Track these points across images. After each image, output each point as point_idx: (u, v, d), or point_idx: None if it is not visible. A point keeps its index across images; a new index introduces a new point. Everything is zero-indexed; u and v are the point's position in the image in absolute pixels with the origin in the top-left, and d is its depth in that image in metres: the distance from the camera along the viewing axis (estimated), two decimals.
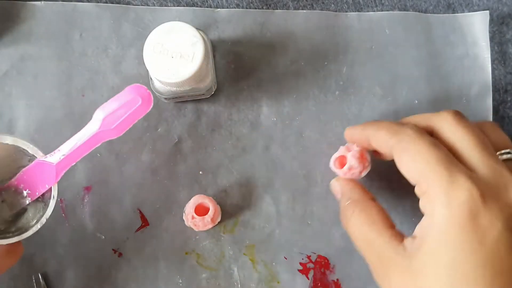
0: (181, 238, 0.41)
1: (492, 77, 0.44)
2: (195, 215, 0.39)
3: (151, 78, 0.38)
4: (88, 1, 0.42)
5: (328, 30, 0.43)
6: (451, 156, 0.30)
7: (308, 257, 0.41)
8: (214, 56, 0.42)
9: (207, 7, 0.42)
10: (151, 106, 0.33)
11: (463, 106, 0.43)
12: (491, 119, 0.43)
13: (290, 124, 0.42)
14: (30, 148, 0.33)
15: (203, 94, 0.40)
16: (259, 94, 0.42)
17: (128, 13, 0.42)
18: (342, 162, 0.38)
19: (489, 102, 0.44)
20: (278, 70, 0.42)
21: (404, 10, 0.44)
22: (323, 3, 0.43)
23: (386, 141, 0.33)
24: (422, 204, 0.30)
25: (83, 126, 0.41)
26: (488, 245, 0.27)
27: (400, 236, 0.31)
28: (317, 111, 0.43)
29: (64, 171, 0.33)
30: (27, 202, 0.34)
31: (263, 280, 0.41)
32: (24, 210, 0.35)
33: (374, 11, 0.44)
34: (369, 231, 0.32)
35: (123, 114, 0.32)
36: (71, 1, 0.42)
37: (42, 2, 0.41)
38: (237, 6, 0.43)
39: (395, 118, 0.43)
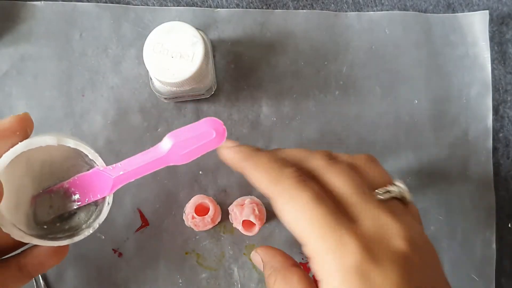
0: (181, 238, 0.41)
1: (492, 77, 0.44)
2: (195, 215, 0.39)
3: (151, 78, 0.38)
4: (88, 1, 0.42)
5: (328, 30, 0.43)
6: (335, 210, 0.28)
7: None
8: (214, 56, 0.42)
9: (207, 7, 0.42)
10: (224, 141, 0.32)
11: (463, 106, 0.43)
12: (491, 119, 0.43)
13: (290, 124, 0.42)
14: (91, 154, 0.32)
15: (203, 94, 0.40)
16: (259, 94, 0.42)
17: (128, 13, 0.42)
18: (249, 224, 0.40)
19: (489, 102, 0.44)
20: (278, 70, 0.42)
21: (404, 10, 0.44)
22: (323, 3, 0.43)
23: (265, 188, 0.30)
24: (313, 268, 0.28)
25: (83, 126, 0.41)
26: None
27: None
28: (317, 111, 0.43)
29: (121, 185, 0.32)
30: (75, 207, 0.33)
31: (263, 280, 0.41)
32: (74, 211, 0.34)
33: (374, 11, 0.44)
34: None
35: (194, 144, 0.31)
36: (71, 1, 0.42)
37: (42, 2, 0.41)
38: (237, 6, 0.43)
39: (395, 118, 0.43)
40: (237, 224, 0.40)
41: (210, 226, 0.40)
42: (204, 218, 0.39)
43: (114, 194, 0.40)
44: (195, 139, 0.31)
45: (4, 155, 0.30)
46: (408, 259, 0.27)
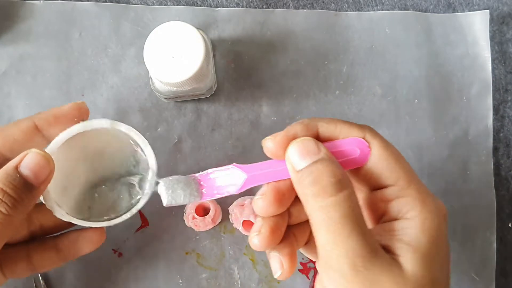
0: (181, 238, 0.41)
1: (492, 77, 0.44)
2: (196, 215, 0.39)
3: (151, 77, 0.38)
4: (88, 0, 0.41)
5: (328, 29, 0.43)
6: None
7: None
8: (214, 56, 0.41)
9: (206, 6, 0.42)
10: (365, 163, 0.29)
11: (463, 105, 0.43)
12: (491, 118, 0.43)
13: (290, 123, 0.42)
14: (142, 141, 0.32)
15: (203, 94, 0.40)
16: (259, 93, 0.42)
17: (127, 12, 0.42)
18: (249, 224, 0.40)
19: (489, 102, 0.44)
20: (278, 69, 0.42)
21: (405, 9, 0.44)
22: (323, 2, 0.43)
23: (351, 132, 0.29)
24: (402, 207, 0.28)
25: None
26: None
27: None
28: (317, 111, 0.42)
29: (248, 187, 0.30)
30: (198, 200, 0.33)
31: (263, 280, 0.41)
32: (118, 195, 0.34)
33: (374, 10, 0.44)
34: None
35: (338, 158, 0.29)
36: (70, 0, 0.41)
37: (41, 1, 0.41)
38: (237, 5, 0.43)
39: (396, 118, 0.43)
40: (238, 225, 0.39)
41: (211, 226, 0.40)
42: (204, 219, 0.39)
43: None
44: (339, 155, 0.29)
45: (60, 135, 0.31)
46: None
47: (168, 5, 0.42)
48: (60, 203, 0.31)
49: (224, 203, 0.41)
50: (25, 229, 0.34)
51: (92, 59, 0.41)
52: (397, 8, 0.44)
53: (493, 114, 0.44)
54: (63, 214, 0.31)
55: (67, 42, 0.41)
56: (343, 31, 0.43)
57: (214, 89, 0.41)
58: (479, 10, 0.44)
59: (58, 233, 0.35)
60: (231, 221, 0.40)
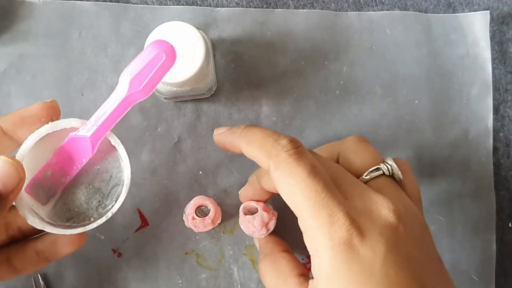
0: (181, 238, 0.41)
1: (493, 77, 0.44)
2: (195, 216, 0.39)
3: None
4: (87, 0, 0.41)
5: (329, 29, 0.43)
6: (330, 186, 0.28)
7: (308, 257, 0.41)
8: (214, 56, 0.41)
9: (206, 6, 0.42)
10: (175, 60, 0.31)
11: (463, 105, 0.43)
12: (491, 118, 0.43)
13: (290, 123, 0.42)
14: (113, 139, 0.32)
15: (203, 94, 0.40)
16: (259, 93, 0.42)
17: (127, 12, 0.42)
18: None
19: (489, 102, 0.44)
20: (278, 69, 0.42)
21: (405, 9, 0.44)
22: (323, 2, 0.43)
23: (260, 160, 0.30)
24: (306, 242, 0.29)
25: None
26: (377, 274, 0.26)
27: (306, 282, 0.31)
28: (317, 111, 0.42)
29: (99, 142, 0.32)
30: (67, 181, 0.33)
31: None
32: (71, 194, 0.33)
33: (374, 10, 0.44)
34: (277, 282, 0.33)
35: (149, 72, 0.30)
36: (70, 0, 0.41)
37: (41, 0, 0.41)
38: (237, 5, 0.42)
39: (396, 118, 0.43)
40: (189, 224, 0.39)
41: (210, 228, 0.39)
42: (204, 220, 0.39)
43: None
44: (148, 68, 0.30)
45: (29, 137, 0.30)
46: (395, 230, 0.28)
47: (168, 5, 0.42)
48: (36, 207, 0.31)
49: (224, 203, 0.41)
50: (3, 234, 0.34)
51: (91, 58, 0.41)
52: (397, 8, 0.44)
53: (493, 114, 0.44)
54: (36, 222, 0.30)
55: (67, 41, 0.41)
56: (343, 31, 0.43)
57: (214, 89, 0.41)
58: (479, 10, 0.44)
59: (38, 235, 0.34)
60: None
